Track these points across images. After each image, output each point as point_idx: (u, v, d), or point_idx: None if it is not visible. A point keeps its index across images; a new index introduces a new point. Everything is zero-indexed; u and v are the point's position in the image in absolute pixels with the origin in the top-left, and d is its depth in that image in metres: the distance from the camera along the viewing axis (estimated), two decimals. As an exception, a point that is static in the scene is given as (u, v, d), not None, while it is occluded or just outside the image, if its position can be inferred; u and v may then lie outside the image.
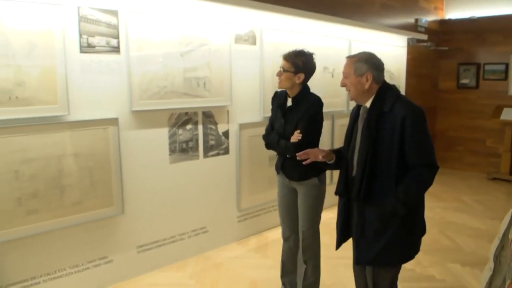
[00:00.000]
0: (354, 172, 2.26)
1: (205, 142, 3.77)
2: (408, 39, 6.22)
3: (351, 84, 2.22)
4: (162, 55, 3.34)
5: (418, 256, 3.70)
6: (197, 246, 3.84)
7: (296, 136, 2.64)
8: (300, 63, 2.65)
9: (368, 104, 2.22)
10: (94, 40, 2.98)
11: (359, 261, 2.29)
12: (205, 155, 3.79)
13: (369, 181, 2.15)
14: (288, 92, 2.75)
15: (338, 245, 2.41)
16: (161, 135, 3.47)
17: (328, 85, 4.78)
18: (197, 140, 3.71)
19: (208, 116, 3.76)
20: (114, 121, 3.12)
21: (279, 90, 2.87)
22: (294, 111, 2.71)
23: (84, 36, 2.93)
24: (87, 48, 2.96)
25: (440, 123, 7.64)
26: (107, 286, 3.25)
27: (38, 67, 2.73)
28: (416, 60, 6.80)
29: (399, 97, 2.20)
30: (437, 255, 3.84)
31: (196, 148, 3.71)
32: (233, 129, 3.99)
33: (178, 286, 3.31)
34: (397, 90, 2.25)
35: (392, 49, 5.87)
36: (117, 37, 3.09)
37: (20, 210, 2.75)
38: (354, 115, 2.34)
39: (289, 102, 2.77)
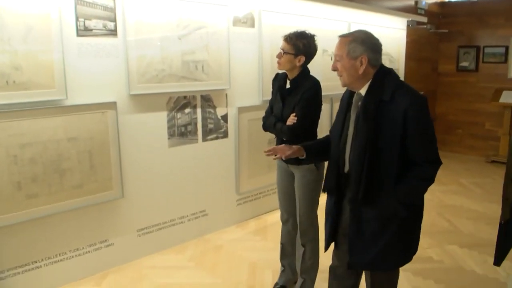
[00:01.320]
0: (346, 168, 2.04)
1: (204, 126, 3.76)
2: (407, 21, 6.17)
3: (343, 68, 1.95)
4: (160, 38, 3.31)
5: (416, 238, 3.78)
6: (196, 229, 3.87)
7: (291, 120, 2.62)
8: (301, 45, 2.59)
9: (363, 91, 1.97)
10: (91, 23, 2.95)
11: (353, 266, 2.06)
12: (204, 139, 3.79)
13: (368, 180, 1.91)
14: (288, 74, 2.72)
15: (327, 247, 2.23)
16: (160, 119, 3.46)
17: (327, 68, 4.68)
18: (195, 124, 3.70)
19: (207, 100, 3.75)
20: (112, 105, 3.11)
21: (280, 72, 2.84)
22: (292, 94, 2.68)
23: (81, 19, 2.90)
24: (84, 31, 2.93)
25: (440, 106, 7.63)
26: (108, 269, 3.28)
27: (35, 50, 2.70)
28: (416, 43, 6.76)
29: (400, 83, 1.95)
30: (436, 237, 3.88)
31: (195, 132, 3.70)
32: (231, 113, 3.98)
33: (178, 268, 3.34)
34: (396, 75, 2.00)
35: (391, 32, 5.82)
36: (114, 20, 3.06)
37: (20, 194, 2.76)
38: (346, 103, 2.07)
39: (289, 85, 2.74)
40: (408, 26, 6.21)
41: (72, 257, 3.10)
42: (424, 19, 6.40)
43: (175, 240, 3.70)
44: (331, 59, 4.76)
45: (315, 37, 2.67)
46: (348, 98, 2.07)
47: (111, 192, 3.19)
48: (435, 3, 7.17)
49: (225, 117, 3.93)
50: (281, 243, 3.01)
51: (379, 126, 1.89)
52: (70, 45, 2.88)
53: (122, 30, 3.10)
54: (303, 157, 2.26)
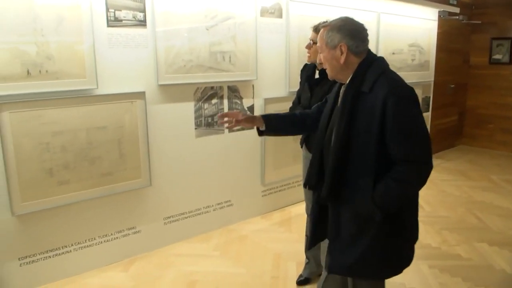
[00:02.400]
0: None
1: (230, 116, 3.77)
2: (439, 12, 6.01)
3: (325, 60, 1.84)
4: (188, 29, 3.33)
5: (445, 235, 3.73)
6: (221, 219, 3.90)
7: None
8: None
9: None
10: (121, 14, 2.99)
11: (332, 270, 1.92)
12: (230, 129, 3.80)
13: (340, 176, 1.79)
14: (318, 64, 2.70)
15: (309, 247, 2.14)
16: (187, 109, 3.49)
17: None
18: (222, 115, 3.71)
19: (233, 91, 3.76)
20: (141, 95, 3.15)
21: (309, 62, 2.82)
22: (321, 84, 2.65)
23: (111, 10, 2.95)
24: (114, 22, 2.97)
25: (471, 99, 7.43)
26: (135, 255, 3.35)
27: (67, 41, 2.76)
28: (447, 34, 6.59)
29: (383, 73, 1.75)
30: (464, 234, 3.80)
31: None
32: (258, 104, 3.98)
33: (203, 257, 3.38)
34: (384, 63, 1.82)
35: (422, 23, 5.69)
36: (143, 10, 3.09)
37: (51, 180, 2.84)
38: (335, 95, 1.94)
39: (317, 75, 2.72)
40: (439, 16, 6.06)
41: (101, 242, 3.18)
42: (456, 10, 6.22)
43: (200, 229, 3.75)
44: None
45: None
46: (338, 90, 1.94)
47: (139, 181, 3.24)
48: (468, -7, 6.97)
49: (251, 108, 3.93)
50: (306, 235, 3.00)
51: (356, 119, 1.74)
52: (101, 35, 2.93)
53: (151, 21, 3.13)
54: (263, 129, 2.12)
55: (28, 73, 2.65)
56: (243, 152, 3.95)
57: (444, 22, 6.36)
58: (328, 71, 1.89)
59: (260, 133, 2.16)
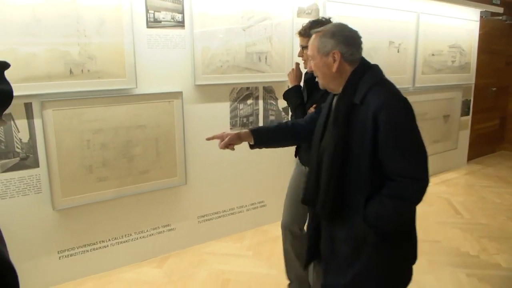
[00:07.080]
0: None
1: (265, 117, 3.79)
2: (481, 12, 5.82)
3: (317, 67, 1.71)
4: (225, 30, 3.36)
5: (484, 243, 3.61)
6: (255, 219, 3.92)
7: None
8: None
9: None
10: (160, 15, 3.05)
11: None
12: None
13: (335, 193, 1.66)
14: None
15: (306, 265, 2.02)
16: (223, 109, 3.53)
17: (394, 61, 4.59)
18: (257, 115, 3.73)
19: (269, 91, 3.77)
20: (178, 95, 3.21)
21: (309, 71, 2.47)
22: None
23: (151, 11, 3.01)
24: (153, 23, 3.03)
25: (513, 103, 7.18)
26: (169, 252, 3.41)
27: (108, 41, 2.84)
28: (489, 35, 6.37)
29: (377, 83, 1.63)
30: (504, 243, 3.66)
31: (256, 123, 3.73)
32: (293, 105, 3.96)
33: (236, 256, 3.40)
34: (377, 72, 1.70)
35: (463, 23, 5.53)
36: (182, 12, 3.15)
37: (91, 177, 2.92)
38: (329, 106, 1.80)
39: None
40: (481, 17, 5.87)
41: (137, 239, 3.25)
42: (499, 10, 6.01)
43: (233, 229, 3.78)
44: (398, 51, 4.64)
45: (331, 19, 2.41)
46: (331, 101, 1.81)
47: (175, 179, 3.30)
48: (513, -7, 6.72)
49: (286, 109, 3.92)
50: (298, 259, 2.67)
51: (350, 132, 1.62)
52: (141, 36, 3.00)
53: (189, 22, 3.18)
54: (252, 143, 1.99)
55: (70, 72, 2.74)
56: (277, 153, 3.95)
57: (486, 22, 6.15)
58: (319, 80, 1.77)
59: (251, 147, 2.03)
